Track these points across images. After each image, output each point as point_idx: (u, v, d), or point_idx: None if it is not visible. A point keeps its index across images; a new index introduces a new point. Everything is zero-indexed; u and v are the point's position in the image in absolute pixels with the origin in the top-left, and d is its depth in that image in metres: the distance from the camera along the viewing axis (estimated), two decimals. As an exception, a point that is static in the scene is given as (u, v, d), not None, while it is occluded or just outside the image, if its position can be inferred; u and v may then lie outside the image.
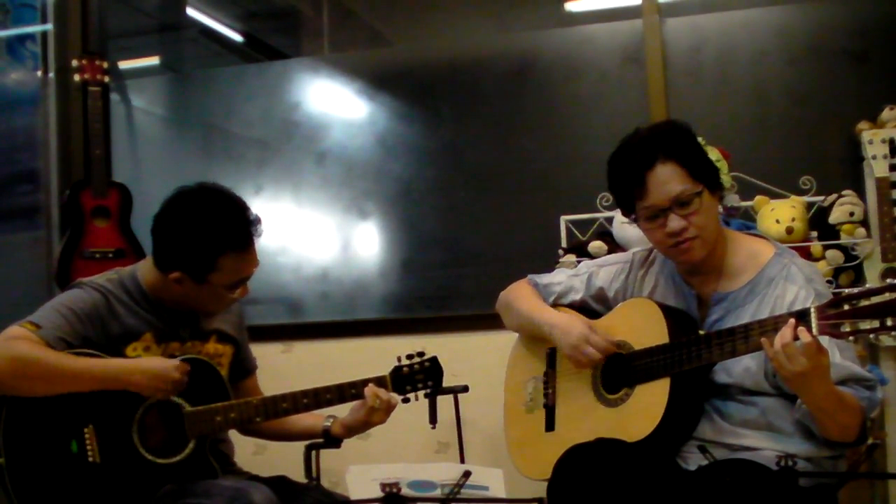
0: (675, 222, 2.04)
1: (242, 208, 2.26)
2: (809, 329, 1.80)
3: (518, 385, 2.49)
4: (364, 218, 4.00)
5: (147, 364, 2.20)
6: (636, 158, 2.07)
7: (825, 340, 1.91)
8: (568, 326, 2.25)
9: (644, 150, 2.06)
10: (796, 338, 1.81)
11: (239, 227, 2.23)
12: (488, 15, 4.11)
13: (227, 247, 2.20)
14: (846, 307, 1.77)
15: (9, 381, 2.12)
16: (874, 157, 3.06)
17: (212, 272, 2.22)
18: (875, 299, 1.73)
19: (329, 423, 2.44)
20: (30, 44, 4.15)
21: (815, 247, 3.08)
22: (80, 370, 2.14)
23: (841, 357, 1.97)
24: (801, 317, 1.83)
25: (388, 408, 2.34)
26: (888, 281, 1.75)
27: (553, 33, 3.90)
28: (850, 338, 1.79)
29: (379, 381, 2.35)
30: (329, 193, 4.04)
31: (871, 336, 1.78)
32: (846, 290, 1.80)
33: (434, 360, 2.41)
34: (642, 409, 2.08)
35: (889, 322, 1.72)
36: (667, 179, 2.03)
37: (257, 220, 2.27)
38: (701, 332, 2.06)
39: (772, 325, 1.87)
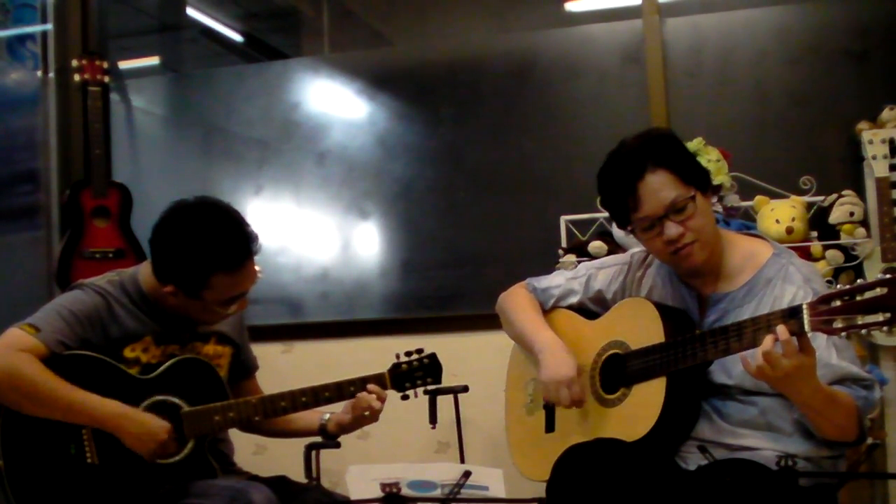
0: (672, 229, 2.04)
1: (239, 226, 2.22)
2: (801, 325, 1.80)
3: (518, 386, 2.49)
4: (364, 218, 4.00)
5: (141, 418, 2.18)
6: (625, 170, 2.06)
7: (822, 342, 1.92)
8: (558, 360, 2.20)
9: (632, 161, 2.05)
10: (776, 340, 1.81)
11: (233, 246, 2.20)
12: (488, 15, 4.11)
13: (219, 267, 2.18)
14: (838, 303, 1.76)
15: (3, 392, 2.12)
16: (874, 157, 3.06)
17: (204, 290, 2.20)
18: (868, 294, 1.73)
19: (325, 420, 2.44)
20: (30, 44, 4.15)
21: (815, 247, 3.08)
22: (74, 403, 2.13)
23: (838, 357, 1.96)
24: (793, 314, 1.82)
25: (377, 413, 2.33)
26: (879, 276, 1.75)
27: (553, 33, 3.91)
28: (843, 333, 1.79)
29: (378, 379, 2.35)
30: (329, 193, 4.04)
31: (864, 331, 1.77)
32: (838, 286, 1.80)
33: (433, 356, 2.41)
34: (639, 409, 2.08)
35: (881, 317, 1.71)
36: (659, 188, 2.03)
37: (254, 238, 2.24)
38: (697, 332, 2.06)
39: (765, 323, 1.86)
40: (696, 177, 2.07)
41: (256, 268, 2.28)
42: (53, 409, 2.14)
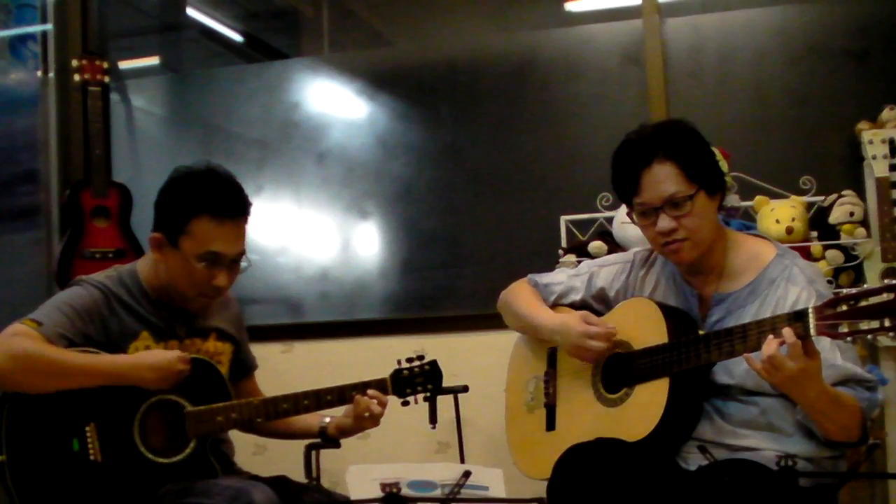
0: (664, 222, 2.05)
1: (234, 184, 2.27)
2: (807, 329, 1.81)
3: (519, 384, 2.49)
4: (364, 218, 4.00)
5: (151, 359, 2.20)
6: (635, 155, 2.08)
7: (827, 343, 1.92)
8: (566, 327, 2.25)
9: (644, 148, 2.07)
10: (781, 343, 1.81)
11: (222, 194, 2.23)
12: (488, 15, 4.11)
13: (203, 209, 2.20)
14: (844, 307, 1.77)
15: (12, 377, 2.13)
16: (874, 157, 3.06)
17: (183, 234, 2.21)
18: (873, 300, 1.73)
19: (326, 423, 2.45)
20: (31, 44, 4.15)
21: (815, 247, 3.08)
22: (85, 365, 2.15)
23: (843, 358, 1.97)
24: (799, 317, 1.83)
25: (378, 416, 2.34)
26: (886, 281, 1.75)
27: (553, 33, 3.90)
28: (848, 338, 1.79)
29: (379, 384, 2.36)
30: (329, 193, 4.04)
31: (869, 336, 1.78)
32: (845, 291, 1.80)
33: (434, 363, 2.42)
34: (642, 409, 2.08)
35: (887, 323, 1.72)
36: (662, 179, 2.04)
37: (246, 201, 2.27)
38: (700, 332, 2.06)
39: (770, 326, 1.87)
40: (704, 176, 2.07)
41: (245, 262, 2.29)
42: (69, 378, 2.14)
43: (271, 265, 3.94)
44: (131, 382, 2.17)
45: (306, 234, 4.06)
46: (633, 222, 2.16)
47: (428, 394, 2.42)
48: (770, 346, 1.82)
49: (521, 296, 2.45)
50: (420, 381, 2.39)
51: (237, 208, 2.25)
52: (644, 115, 3.56)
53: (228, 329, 2.45)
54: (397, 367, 2.39)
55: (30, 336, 2.13)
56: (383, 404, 2.33)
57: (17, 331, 2.15)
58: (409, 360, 2.40)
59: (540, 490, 2.02)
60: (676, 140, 2.08)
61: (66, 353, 2.14)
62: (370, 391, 2.33)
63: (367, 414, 2.32)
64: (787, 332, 1.81)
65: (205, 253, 2.22)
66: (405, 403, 2.41)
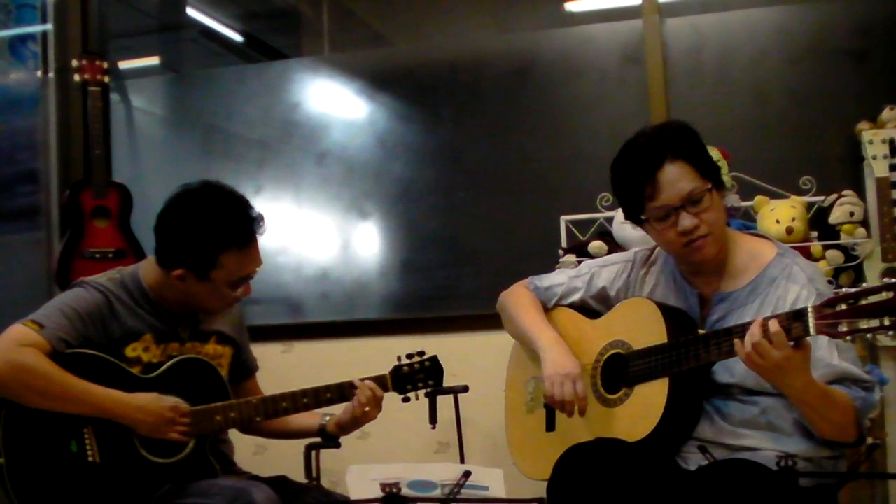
0: (687, 220, 2.04)
1: (245, 205, 2.27)
2: (806, 328, 1.81)
3: (519, 385, 2.49)
4: (364, 218, 4.00)
5: (144, 401, 2.20)
6: (644, 159, 2.07)
7: (824, 342, 1.92)
8: (563, 357, 2.22)
9: (652, 151, 2.06)
10: (765, 334, 1.81)
11: (241, 223, 2.24)
12: (488, 15, 4.11)
13: (230, 243, 2.21)
14: (843, 307, 1.77)
15: (9, 386, 2.13)
16: (874, 157, 3.06)
17: (214, 269, 2.22)
18: (872, 298, 1.74)
19: (325, 421, 2.44)
20: (31, 44, 4.15)
21: (816, 247, 3.08)
22: (81, 394, 2.15)
23: (840, 358, 1.97)
24: (798, 316, 1.83)
25: (377, 404, 2.34)
26: (885, 280, 1.75)
27: (553, 33, 3.90)
28: (848, 337, 1.79)
29: (379, 381, 2.35)
30: (329, 193, 4.04)
31: (869, 335, 1.78)
32: (844, 290, 1.80)
33: (434, 359, 2.42)
34: (641, 410, 2.08)
35: (886, 321, 1.72)
36: (678, 178, 2.04)
37: (260, 218, 2.28)
38: (700, 332, 2.06)
39: (768, 324, 1.87)
40: (711, 171, 2.08)
41: None
42: (62, 402, 2.15)
43: (271, 265, 3.93)
44: (121, 420, 2.18)
45: (306, 234, 4.06)
46: (646, 231, 2.15)
47: (429, 390, 2.43)
48: (755, 333, 1.82)
49: (519, 304, 2.43)
50: (421, 377, 2.40)
51: (256, 229, 2.27)
52: (644, 114, 3.56)
53: (229, 332, 2.45)
54: (398, 363, 2.39)
55: (35, 344, 2.13)
56: (380, 395, 2.33)
57: (20, 334, 2.15)
58: (410, 356, 2.40)
59: (540, 490, 2.02)
60: (681, 140, 2.08)
61: (65, 376, 2.14)
62: (367, 381, 2.33)
63: (367, 409, 2.32)
64: (772, 322, 1.81)
65: (238, 280, 2.27)
66: (406, 400, 2.41)
